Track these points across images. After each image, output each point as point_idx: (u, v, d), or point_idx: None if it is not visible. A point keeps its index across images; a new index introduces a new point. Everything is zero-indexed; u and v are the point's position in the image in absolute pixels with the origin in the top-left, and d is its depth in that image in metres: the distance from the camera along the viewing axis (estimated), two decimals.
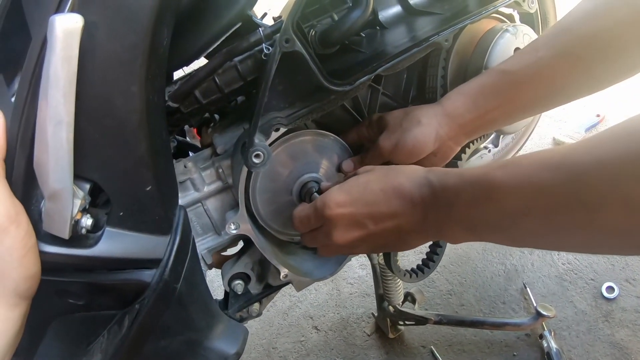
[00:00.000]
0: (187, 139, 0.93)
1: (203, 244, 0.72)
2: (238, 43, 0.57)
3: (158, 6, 0.40)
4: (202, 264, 0.73)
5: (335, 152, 0.69)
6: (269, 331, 1.26)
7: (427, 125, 0.63)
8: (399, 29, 0.70)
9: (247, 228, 0.65)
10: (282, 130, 0.59)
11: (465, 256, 1.35)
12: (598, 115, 1.64)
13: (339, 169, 0.70)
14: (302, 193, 0.67)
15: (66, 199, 0.44)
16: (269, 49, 0.56)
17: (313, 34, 0.62)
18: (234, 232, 0.63)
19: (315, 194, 0.65)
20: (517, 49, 0.73)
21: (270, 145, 0.61)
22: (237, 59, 0.60)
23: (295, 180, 0.67)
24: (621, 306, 1.15)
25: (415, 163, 0.65)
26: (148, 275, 0.53)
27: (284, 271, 0.71)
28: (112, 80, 0.41)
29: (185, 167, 0.67)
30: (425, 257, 0.77)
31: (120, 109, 0.43)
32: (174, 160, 0.68)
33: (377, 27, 0.69)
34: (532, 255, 1.32)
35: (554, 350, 1.07)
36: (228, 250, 0.80)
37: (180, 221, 0.52)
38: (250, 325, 1.27)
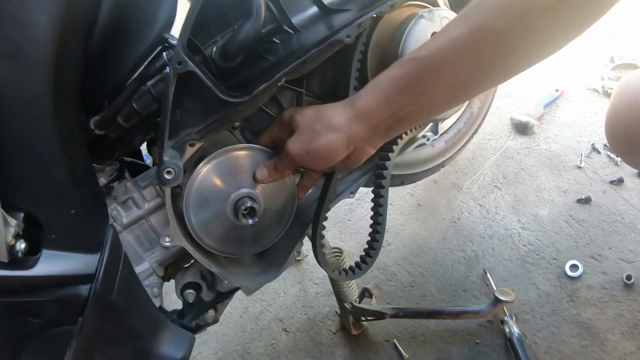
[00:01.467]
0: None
1: (153, 258, 0.76)
2: (146, 68, 0.62)
3: (56, 52, 0.46)
4: (155, 277, 0.78)
5: (262, 162, 0.70)
6: (242, 337, 1.30)
7: (339, 129, 0.61)
8: (313, 30, 0.69)
9: (182, 241, 0.68)
10: (198, 145, 0.62)
11: (426, 246, 1.36)
12: (557, 90, 1.62)
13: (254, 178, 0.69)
14: (236, 209, 0.70)
15: None
16: None
17: (214, 49, 0.65)
18: (169, 244, 0.68)
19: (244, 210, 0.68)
20: (434, 34, 0.69)
21: (198, 167, 0.66)
22: (149, 82, 0.63)
23: (226, 199, 0.69)
24: (587, 284, 1.13)
25: (329, 168, 0.68)
26: (85, 290, 0.59)
27: (225, 279, 0.75)
28: (23, 124, 0.47)
29: (125, 187, 0.72)
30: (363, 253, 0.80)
31: (35, 148, 0.49)
32: (116, 183, 0.74)
33: (292, 31, 0.68)
34: (492, 239, 1.30)
35: (516, 335, 1.06)
36: None
37: (109, 239, 0.58)
38: (225, 332, 1.32)
